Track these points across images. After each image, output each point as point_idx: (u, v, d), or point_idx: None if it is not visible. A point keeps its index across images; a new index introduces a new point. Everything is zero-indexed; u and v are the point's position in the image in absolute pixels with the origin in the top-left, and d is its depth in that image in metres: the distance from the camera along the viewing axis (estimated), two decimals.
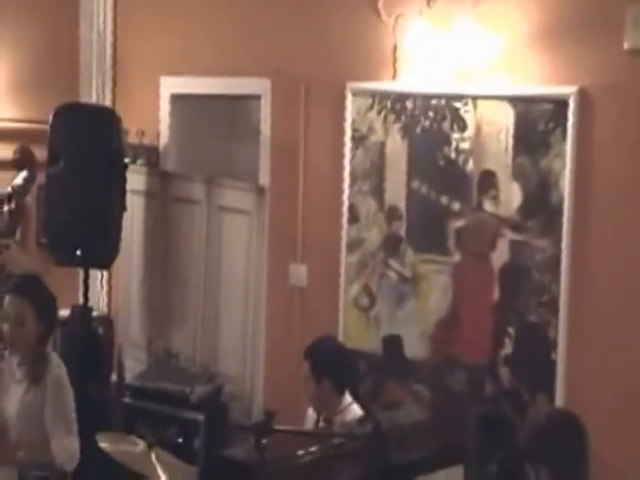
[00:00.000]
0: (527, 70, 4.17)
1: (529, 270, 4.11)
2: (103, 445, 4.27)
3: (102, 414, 5.34)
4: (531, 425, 3.18)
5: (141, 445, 4.35)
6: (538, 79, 4.14)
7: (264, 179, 5.31)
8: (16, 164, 5.06)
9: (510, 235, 4.18)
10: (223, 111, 5.86)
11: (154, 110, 5.95)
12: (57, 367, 4.01)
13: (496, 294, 4.22)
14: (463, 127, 4.33)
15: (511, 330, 4.17)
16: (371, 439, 2.97)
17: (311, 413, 4.35)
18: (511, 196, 4.18)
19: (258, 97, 5.35)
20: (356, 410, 4.20)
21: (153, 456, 4.25)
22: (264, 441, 2.73)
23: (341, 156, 4.86)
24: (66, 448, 3.91)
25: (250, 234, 5.36)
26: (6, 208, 4.95)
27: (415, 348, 4.52)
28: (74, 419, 3.99)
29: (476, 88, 4.29)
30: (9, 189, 4.97)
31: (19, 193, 4.95)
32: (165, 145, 5.97)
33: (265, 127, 5.30)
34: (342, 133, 4.85)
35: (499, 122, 4.19)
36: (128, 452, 4.32)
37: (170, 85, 5.88)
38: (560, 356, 4.02)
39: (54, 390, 3.93)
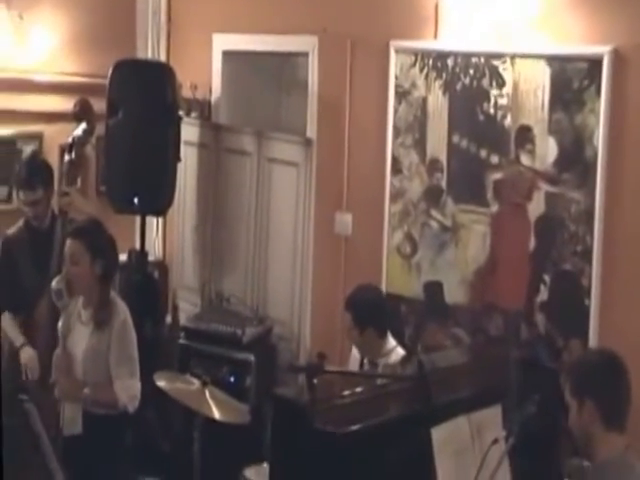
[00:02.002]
0: (563, 29, 4.14)
1: (564, 221, 4.11)
2: (160, 383, 4.36)
3: (157, 354, 5.44)
4: (579, 360, 3.22)
5: (196, 384, 4.43)
6: (574, 38, 4.10)
7: (311, 132, 5.32)
8: (76, 116, 5.10)
9: (546, 187, 4.18)
10: (272, 67, 5.87)
11: (206, 66, 5.97)
12: (122, 312, 4.06)
13: (532, 243, 4.23)
14: (501, 84, 4.32)
15: (546, 278, 4.18)
16: (415, 379, 3.01)
17: (355, 355, 4.39)
18: (547, 150, 4.17)
19: (306, 54, 5.35)
20: (399, 352, 4.24)
21: (207, 394, 4.34)
22: (315, 381, 2.78)
23: (385, 111, 4.86)
24: (129, 390, 3.97)
25: (298, 185, 5.39)
26: (67, 158, 4.99)
27: (455, 294, 4.54)
28: (137, 362, 4.04)
29: (514, 47, 4.27)
30: (70, 140, 5.02)
31: (79, 144, 4.99)
32: (217, 99, 5.99)
33: (312, 83, 5.31)
34: (386, 89, 4.84)
35: (536, 79, 4.17)
36: (184, 390, 4.40)
37: (222, 42, 5.89)
38: (593, 303, 4.03)
39: (119, 335, 3.99)
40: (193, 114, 5.98)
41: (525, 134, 4.23)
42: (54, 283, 4.04)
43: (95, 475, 3.93)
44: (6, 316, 4.75)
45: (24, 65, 5.74)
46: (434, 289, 4.64)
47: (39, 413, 3.59)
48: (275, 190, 5.54)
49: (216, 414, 4.22)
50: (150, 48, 6.23)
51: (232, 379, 5.21)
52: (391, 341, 4.29)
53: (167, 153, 5.42)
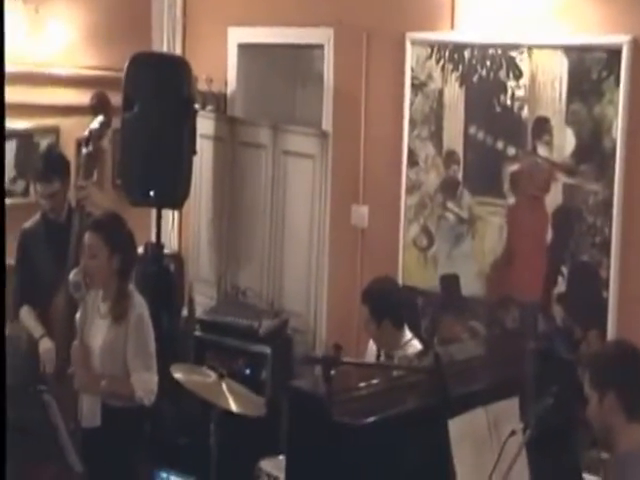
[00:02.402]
0: (581, 19, 4.11)
1: (582, 213, 4.08)
2: (177, 375, 4.35)
3: (173, 347, 5.43)
4: (598, 352, 3.19)
5: (212, 376, 4.41)
6: (592, 28, 4.07)
7: (327, 124, 5.30)
8: (93, 109, 5.08)
9: (563, 179, 4.15)
10: (288, 60, 5.84)
11: (222, 59, 5.95)
12: (140, 306, 4.03)
13: (550, 235, 4.20)
14: (519, 75, 4.29)
15: (564, 270, 4.15)
16: (431, 371, 2.98)
17: (371, 347, 4.36)
18: (564, 141, 4.13)
19: (321, 46, 5.32)
20: (416, 345, 4.22)
21: (224, 386, 4.33)
22: (332, 373, 2.76)
23: (401, 103, 4.83)
24: (145, 383, 3.95)
25: (314, 177, 5.37)
26: (84, 151, 4.98)
27: (471, 286, 4.52)
28: (154, 356, 4.02)
29: (531, 38, 4.23)
30: (87, 133, 5.01)
31: (96, 137, 4.97)
32: (232, 92, 5.97)
33: (328, 75, 5.28)
34: (402, 81, 4.81)
35: (553, 70, 4.14)
36: (200, 382, 4.39)
37: (237, 35, 5.86)
38: (612, 294, 3.99)
39: (136, 328, 3.96)
40: (209, 107, 5.96)
41: (542, 125, 4.20)
42: (72, 275, 4.03)
43: (113, 467, 3.91)
44: (25, 308, 4.75)
45: (40, 59, 5.73)
46: (450, 282, 4.61)
47: (58, 405, 3.58)
48: (291, 183, 5.52)
49: (233, 406, 4.20)
50: (166, 41, 6.21)
51: (248, 372, 5.20)
52: (407, 334, 4.27)
53: (183, 146, 5.40)
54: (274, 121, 5.66)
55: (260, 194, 5.70)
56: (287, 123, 5.63)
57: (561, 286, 4.17)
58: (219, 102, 5.97)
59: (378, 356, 4.28)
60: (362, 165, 5.09)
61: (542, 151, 4.21)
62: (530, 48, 4.22)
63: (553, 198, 4.18)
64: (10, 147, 5.67)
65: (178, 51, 6.19)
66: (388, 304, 4.20)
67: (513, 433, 2.85)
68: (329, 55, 5.26)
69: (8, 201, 5.90)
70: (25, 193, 5.74)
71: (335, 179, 5.26)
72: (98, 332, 4.03)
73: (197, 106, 5.63)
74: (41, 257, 4.78)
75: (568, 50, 4.08)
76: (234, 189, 5.87)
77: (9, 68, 5.46)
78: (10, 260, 4.99)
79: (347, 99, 5.17)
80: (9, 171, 5.70)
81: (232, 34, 5.88)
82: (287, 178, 5.53)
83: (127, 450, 4.00)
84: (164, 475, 4.96)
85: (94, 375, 3.97)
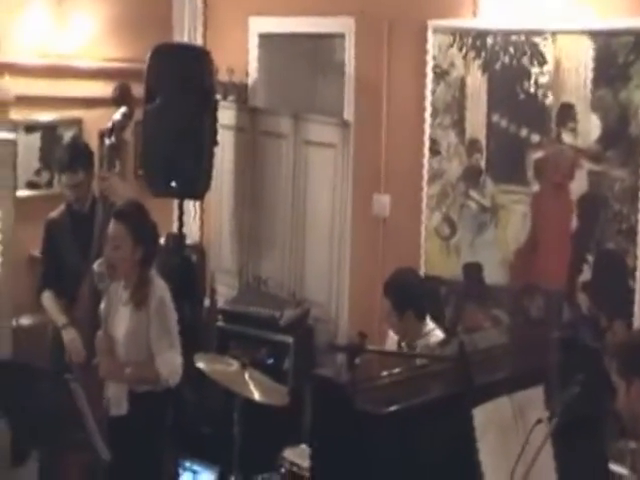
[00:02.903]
0: (607, 3, 4.02)
1: (607, 200, 4.00)
2: (200, 365, 4.32)
3: (195, 337, 5.40)
4: (625, 340, 3.12)
5: (235, 365, 4.39)
6: (618, 12, 3.98)
7: (348, 114, 5.24)
8: (116, 101, 5.05)
9: (588, 166, 4.07)
10: (309, 49, 5.78)
11: (243, 49, 5.91)
12: (161, 289, 4.01)
13: (574, 223, 4.13)
14: (542, 62, 4.21)
15: (589, 258, 4.07)
16: (455, 360, 2.93)
17: (392, 337, 4.31)
18: (590, 128, 4.05)
19: (342, 35, 5.26)
20: (438, 334, 4.16)
21: (247, 375, 4.29)
22: (356, 361, 2.71)
23: (422, 91, 4.77)
24: (170, 363, 3.92)
25: (335, 166, 5.32)
26: (107, 142, 4.96)
27: (494, 275, 4.46)
28: (177, 336, 3.99)
29: (556, 23, 4.15)
30: (110, 124, 4.99)
31: (119, 128, 4.95)
32: (253, 82, 5.93)
33: (349, 64, 5.22)
34: (423, 69, 4.75)
35: (578, 55, 4.06)
36: (223, 371, 4.36)
37: (258, 25, 5.82)
38: (638, 283, 3.92)
39: (157, 311, 3.93)
40: (230, 98, 5.93)
41: (567, 112, 4.12)
42: (96, 265, 4.00)
43: (139, 455, 3.88)
44: (49, 296, 4.73)
45: (64, 51, 5.71)
46: (473, 270, 4.55)
47: (85, 393, 3.55)
48: (312, 172, 5.47)
49: (256, 395, 4.17)
50: (187, 32, 6.18)
51: (270, 361, 5.17)
52: (429, 323, 4.21)
53: (204, 137, 5.37)
54: (295, 111, 5.61)
55: (281, 184, 5.65)
56: (308, 113, 5.57)
57: (586, 274, 4.09)
58: (240, 92, 5.93)
59: (399, 346, 4.22)
60: (384, 154, 5.03)
61: (567, 138, 4.14)
62: (554, 34, 4.14)
63: (578, 185, 4.11)
64: (35, 139, 5.69)
65: (199, 42, 6.16)
66: (410, 296, 4.14)
67: (539, 421, 2.78)
68: (350, 44, 5.20)
69: (33, 192, 5.96)
70: (49, 184, 5.75)
71: (356, 168, 5.20)
72: (121, 321, 4.00)
73: (218, 97, 5.59)
74: (66, 247, 4.77)
75: (594, 35, 4.00)
76: (255, 179, 5.83)
77: (34, 61, 5.46)
78: (36, 251, 4.99)
79: (368, 88, 5.10)
80: (34, 163, 5.71)
81: (253, 24, 5.84)
82: (308, 168, 5.49)
83: (153, 438, 3.98)
84: (188, 464, 4.95)
85: (119, 364, 3.95)
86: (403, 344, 4.21)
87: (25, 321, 5.47)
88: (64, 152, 5.00)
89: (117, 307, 4.03)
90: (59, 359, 4.56)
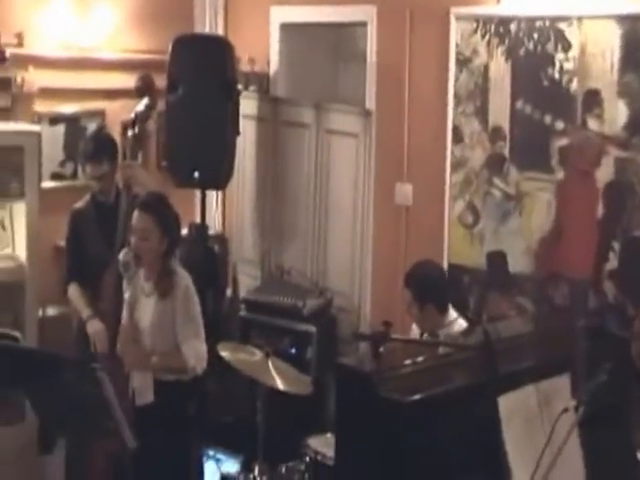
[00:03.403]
0: None
1: (634, 186, 3.91)
2: (223, 354, 4.30)
3: (218, 327, 5.39)
4: None
5: (258, 354, 4.37)
6: None
7: (371, 103, 5.18)
8: (139, 91, 5.04)
9: (615, 152, 3.98)
10: (330, 38, 5.74)
11: (264, 39, 5.87)
12: (184, 278, 4.01)
13: (600, 210, 4.05)
14: (567, 47, 4.13)
15: (616, 245, 4.00)
16: (480, 348, 2.88)
17: (415, 327, 4.28)
18: (616, 114, 3.97)
19: (364, 24, 5.20)
20: (461, 323, 4.11)
21: (270, 364, 4.27)
22: (381, 349, 2.67)
23: (445, 79, 4.70)
24: (196, 351, 3.93)
25: (357, 156, 5.27)
26: (130, 133, 4.95)
27: (519, 263, 4.38)
28: (201, 325, 4.00)
29: (581, 8, 4.06)
30: (132, 115, 4.97)
31: (142, 119, 4.94)
32: (275, 72, 5.89)
33: (371, 53, 5.15)
34: (446, 57, 4.68)
35: (604, 41, 3.97)
36: (247, 361, 4.35)
37: (279, 14, 5.78)
38: None
39: (182, 300, 3.94)
40: (251, 88, 5.90)
41: (593, 98, 4.04)
42: (121, 255, 3.99)
43: (164, 443, 3.88)
44: (76, 289, 4.72)
45: (87, 44, 5.70)
46: (497, 259, 4.49)
47: (111, 382, 3.54)
48: (334, 161, 5.43)
49: (279, 384, 4.15)
50: (208, 23, 6.15)
51: (293, 350, 5.14)
52: (452, 313, 4.15)
53: (226, 127, 5.33)
54: (317, 100, 5.57)
55: (303, 173, 5.61)
56: (330, 102, 5.53)
57: (613, 262, 4.02)
58: (262, 82, 5.90)
59: (422, 335, 4.17)
60: (406, 143, 4.97)
61: (592, 124, 4.05)
62: (580, 19, 4.05)
63: (604, 172, 4.02)
64: (59, 131, 5.71)
65: (221, 32, 6.13)
66: (431, 289, 4.07)
67: (565, 410, 2.73)
68: (372, 32, 5.14)
69: (58, 184, 5.98)
70: (74, 176, 5.77)
71: (379, 157, 5.15)
72: (146, 310, 4.00)
73: (240, 87, 5.55)
74: (91, 238, 4.77)
75: (621, 19, 3.90)
76: (277, 169, 5.80)
77: (57, 54, 5.46)
78: (62, 242, 4.99)
79: (390, 77, 5.04)
80: (58, 154, 5.72)
81: (274, 14, 5.79)
82: (330, 157, 5.44)
83: (178, 426, 3.98)
84: (212, 453, 4.94)
85: (145, 353, 3.95)
86: (425, 335, 4.16)
87: (51, 312, 5.48)
88: (88, 143, 5.00)
89: (140, 297, 4.03)
90: (85, 349, 4.56)
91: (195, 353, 3.92)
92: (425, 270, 4.17)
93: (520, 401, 2.80)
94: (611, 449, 3.06)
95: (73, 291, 4.73)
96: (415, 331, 4.23)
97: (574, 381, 2.92)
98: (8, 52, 5.30)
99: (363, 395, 2.73)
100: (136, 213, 3.99)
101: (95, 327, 4.58)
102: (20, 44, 5.43)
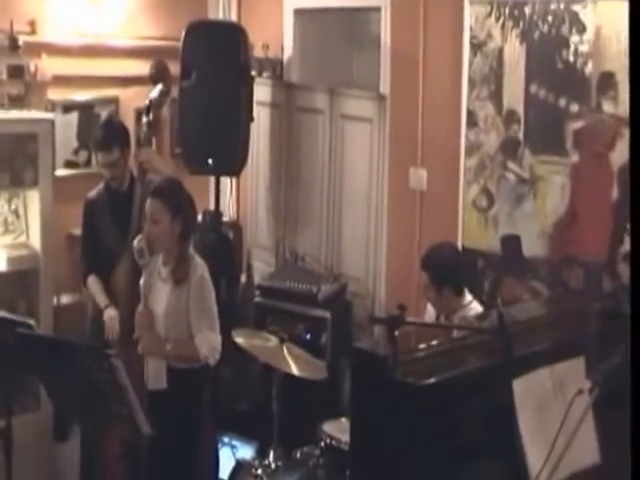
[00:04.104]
0: None
1: None
2: (238, 340, 4.32)
3: (233, 314, 5.40)
4: None
5: (273, 340, 4.38)
6: None
7: (385, 87, 5.17)
8: (152, 78, 5.03)
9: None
10: (344, 23, 5.72)
11: (278, 24, 5.87)
12: (200, 267, 4.00)
13: (615, 193, 4.04)
14: (582, 30, 4.10)
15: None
16: (495, 331, 2.88)
17: (430, 310, 4.26)
18: None
19: (378, 9, 5.19)
20: (476, 307, 4.10)
21: (285, 350, 4.29)
22: (396, 333, 2.67)
23: (459, 63, 4.68)
24: (210, 342, 3.91)
25: (371, 140, 5.26)
26: (144, 119, 4.94)
27: (533, 247, 4.37)
28: (216, 316, 3.98)
29: None
30: (147, 102, 4.97)
31: (156, 105, 4.92)
32: (289, 58, 5.88)
33: (385, 37, 5.14)
34: (460, 41, 4.66)
35: (620, 23, 3.94)
36: (262, 347, 4.36)
37: (293, 0, 5.76)
38: None
39: (197, 290, 3.93)
40: (265, 74, 5.89)
41: (607, 81, 4.01)
42: (136, 242, 4.00)
43: (178, 429, 3.89)
44: (94, 280, 4.75)
45: (100, 31, 5.71)
46: (512, 242, 4.48)
47: (125, 368, 3.56)
48: (348, 147, 5.42)
49: (294, 370, 4.17)
50: (221, 9, 6.15)
51: (308, 336, 5.14)
52: (467, 297, 4.15)
53: (240, 114, 5.34)
54: (331, 85, 5.56)
55: (318, 159, 5.61)
56: (344, 87, 5.52)
57: (627, 245, 4.00)
58: (275, 68, 5.89)
59: (437, 320, 4.17)
60: (420, 127, 4.96)
61: (607, 107, 4.03)
62: (594, 1, 4.03)
63: (619, 155, 3.99)
64: (72, 118, 5.71)
65: (234, 18, 6.13)
66: (448, 272, 4.05)
67: (580, 392, 2.73)
68: (386, 17, 5.12)
69: (71, 172, 6.00)
70: (88, 163, 5.77)
71: (393, 142, 5.14)
72: (161, 296, 4.00)
73: (254, 73, 5.56)
74: (105, 225, 4.78)
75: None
76: (291, 155, 5.80)
77: (70, 41, 5.47)
78: (76, 230, 5.01)
79: (404, 61, 5.03)
80: (72, 142, 5.73)
81: None
82: (345, 142, 5.44)
83: (192, 413, 3.98)
84: (227, 439, 4.96)
85: (159, 339, 3.95)
86: (441, 317, 4.17)
87: (65, 299, 5.51)
88: (99, 131, 4.99)
89: (156, 283, 4.03)
90: (98, 337, 4.59)
91: (208, 344, 3.90)
92: (442, 253, 4.14)
93: (535, 384, 2.79)
94: (626, 431, 3.06)
95: (93, 284, 4.75)
96: (431, 312, 4.22)
97: (589, 363, 2.91)
98: (21, 40, 5.31)
99: (378, 379, 2.73)
100: (148, 199, 4.01)
101: (110, 314, 4.61)
102: (33, 32, 5.44)
